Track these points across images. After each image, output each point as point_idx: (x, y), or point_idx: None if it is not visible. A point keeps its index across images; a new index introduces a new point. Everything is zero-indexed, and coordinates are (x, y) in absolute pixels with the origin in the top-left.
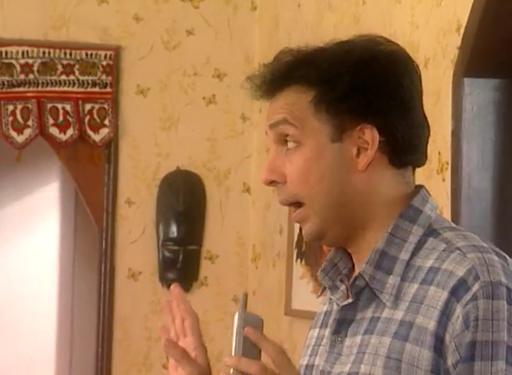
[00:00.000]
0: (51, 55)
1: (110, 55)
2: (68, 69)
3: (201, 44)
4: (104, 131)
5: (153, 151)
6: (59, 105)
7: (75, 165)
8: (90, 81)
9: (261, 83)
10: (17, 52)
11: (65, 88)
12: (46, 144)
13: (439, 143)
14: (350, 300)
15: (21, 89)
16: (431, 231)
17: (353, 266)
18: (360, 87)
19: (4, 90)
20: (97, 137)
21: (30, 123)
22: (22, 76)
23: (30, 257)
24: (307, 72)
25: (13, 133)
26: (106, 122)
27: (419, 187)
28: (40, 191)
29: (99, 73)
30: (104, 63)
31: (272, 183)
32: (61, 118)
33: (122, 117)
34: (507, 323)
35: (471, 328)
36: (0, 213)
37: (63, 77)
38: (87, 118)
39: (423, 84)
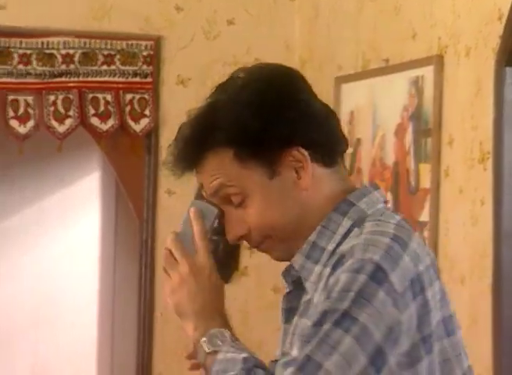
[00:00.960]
0: (92, 45)
1: (151, 45)
2: (109, 60)
3: (242, 34)
4: (145, 121)
5: None
6: (100, 96)
7: (115, 155)
8: (130, 71)
9: (176, 164)
10: (58, 43)
11: (106, 78)
12: (87, 134)
13: (480, 133)
14: (288, 289)
15: (62, 79)
16: (359, 222)
17: None
18: (268, 125)
19: (45, 80)
20: (137, 127)
21: (71, 113)
22: (63, 67)
23: (71, 249)
24: (215, 137)
25: (54, 124)
26: (146, 112)
27: (368, 186)
28: (81, 182)
29: (140, 63)
30: (145, 53)
31: (241, 238)
32: (102, 108)
33: (163, 107)
34: (355, 293)
35: (330, 297)
36: (41, 204)
37: (104, 67)
38: (128, 108)
39: (464, 73)
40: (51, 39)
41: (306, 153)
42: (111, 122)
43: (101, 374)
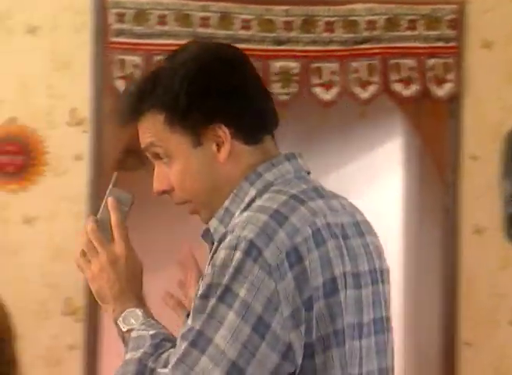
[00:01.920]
0: (396, 11)
1: (455, 10)
2: (412, 25)
3: None
4: (448, 86)
5: (496, 105)
6: (402, 61)
7: (418, 120)
8: (433, 36)
9: (120, 115)
10: (362, 10)
11: (409, 44)
12: (388, 99)
13: None
14: (209, 251)
15: (366, 46)
16: (262, 192)
17: None
18: (197, 100)
19: (349, 47)
20: (440, 92)
21: (374, 79)
22: (366, 33)
23: (375, 214)
24: (151, 101)
25: (357, 90)
26: (450, 77)
27: (284, 155)
28: (384, 147)
29: (443, 28)
30: (449, 18)
31: (162, 193)
32: (405, 74)
33: (466, 71)
34: (233, 269)
35: (212, 272)
36: (345, 170)
37: (407, 33)
38: (431, 73)
39: None
40: (355, 6)
41: (227, 131)
42: (414, 87)
43: (407, 332)
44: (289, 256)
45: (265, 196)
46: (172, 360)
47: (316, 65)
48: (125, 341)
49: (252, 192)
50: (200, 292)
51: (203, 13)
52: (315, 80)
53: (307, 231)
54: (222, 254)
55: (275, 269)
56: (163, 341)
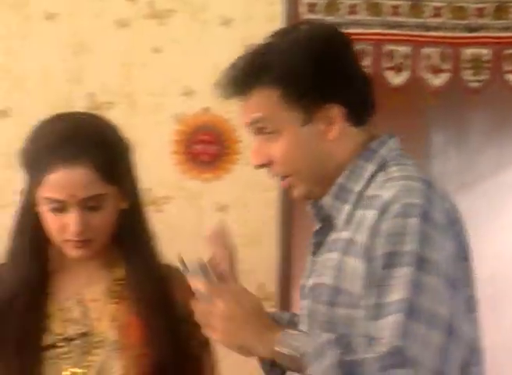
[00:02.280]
0: None
1: None
2: None
3: None
4: None
5: None
6: None
7: None
8: None
9: (228, 86)
10: None
11: None
12: None
13: None
14: (317, 226)
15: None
16: (381, 167)
17: None
18: (319, 78)
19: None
20: None
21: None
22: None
23: None
24: (268, 74)
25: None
26: None
27: (387, 135)
28: None
29: None
30: None
31: (261, 166)
32: None
33: None
34: (413, 235)
35: (390, 241)
36: None
37: None
38: None
39: None
40: None
41: (341, 112)
42: None
43: None
44: (448, 217)
45: (392, 169)
46: (388, 338)
47: (508, 51)
48: (298, 364)
49: (371, 167)
50: (380, 264)
51: (393, 2)
52: (508, 67)
53: (448, 198)
54: (391, 223)
55: (444, 229)
56: (336, 337)
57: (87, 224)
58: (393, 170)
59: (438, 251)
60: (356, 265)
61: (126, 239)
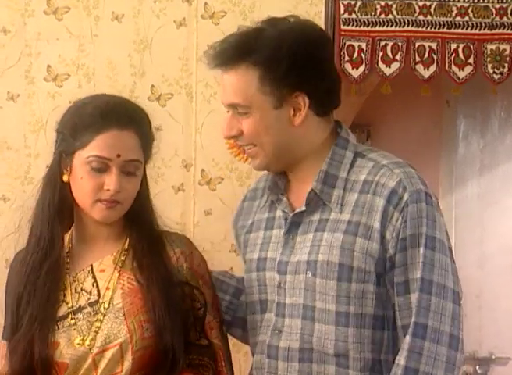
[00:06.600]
0: None
1: None
2: None
3: None
4: None
5: None
6: None
7: None
8: None
9: (216, 57)
10: None
11: None
12: None
13: None
14: (303, 208)
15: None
16: (357, 154)
17: (289, 184)
18: (296, 66)
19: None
20: None
21: None
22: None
23: None
24: (254, 55)
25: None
26: None
27: (338, 122)
28: None
29: None
30: None
31: (232, 137)
32: None
33: None
34: (427, 219)
35: (406, 226)
36: None
37: None
38: None
39: None
40: None
41: (307, 101)
42: None
43: None
44: (434, 197)
45: (371, 155)
46: (422, 315)
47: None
48: None
49: (349, 155)
50: (399, 246)
51: (423, 2)
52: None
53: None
54: (410, 208)
55: (439, 207)
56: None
57: (123, 187)
58: (375, 157)
59: (441, 231)
60: (369, 246)
61: (135, 210)
